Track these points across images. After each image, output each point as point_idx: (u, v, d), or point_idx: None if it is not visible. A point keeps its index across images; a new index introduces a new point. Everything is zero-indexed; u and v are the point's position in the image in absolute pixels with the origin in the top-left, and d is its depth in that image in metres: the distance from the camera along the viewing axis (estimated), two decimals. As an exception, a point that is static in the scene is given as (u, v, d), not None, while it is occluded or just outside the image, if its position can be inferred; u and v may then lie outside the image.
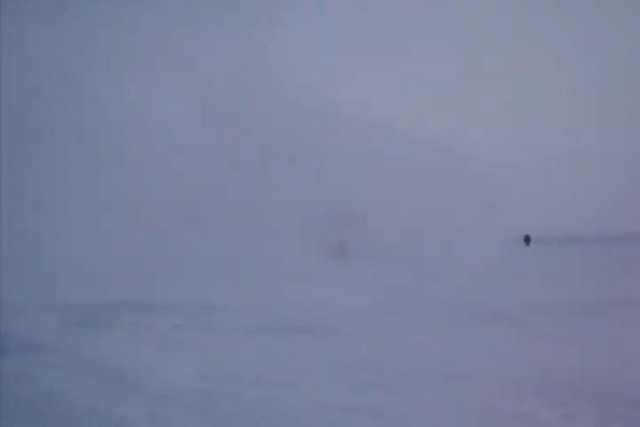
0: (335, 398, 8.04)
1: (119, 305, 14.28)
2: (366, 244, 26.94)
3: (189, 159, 29.01)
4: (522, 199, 31.54)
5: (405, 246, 26.02)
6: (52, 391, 8.09)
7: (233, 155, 29.56)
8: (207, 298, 15.17)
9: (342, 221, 30.45)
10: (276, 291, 16.81)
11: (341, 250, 27.01)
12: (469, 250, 25.70)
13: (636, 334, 11.34)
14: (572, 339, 11.00)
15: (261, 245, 24.51)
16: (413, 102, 34.45)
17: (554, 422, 7.24)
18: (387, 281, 18.93)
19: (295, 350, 10.48)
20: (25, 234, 22.30)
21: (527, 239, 34.68)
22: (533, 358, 9.70)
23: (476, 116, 36.21)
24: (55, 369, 9.03)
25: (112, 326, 12.31)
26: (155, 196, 26.71)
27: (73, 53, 30.20)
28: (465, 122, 35.52)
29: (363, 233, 28.66)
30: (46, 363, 9.33)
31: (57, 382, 8.42)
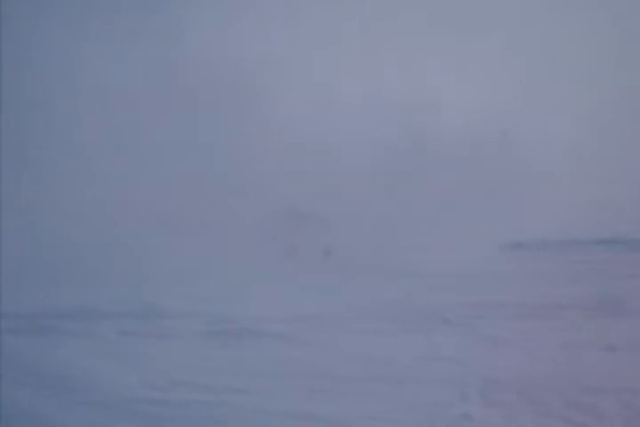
0: (283, 404, 8.09)
1: (61, 312, 14.12)
2: (325, 246, 26.65)
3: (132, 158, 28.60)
4: (498, 203, 30.98)
5: (366, 249, 25.80)
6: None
7: (183, 150, 29.18)
8: (154, 304, 15.08)
9: (300, 222, 29.82)
10: (226, 295, 16.77)
11: (295, 253, 26.61)
12: (434, 253, 25.53)
13: (578, 337, 11.57)
14: (518, 342, 11.20)
15: (212, 247, 24.28)
16: (380, 95, 33.21)
17: (497, 424, 7.37)
18: (341, 285, 18.96)
19: (244, 356, 10.50)
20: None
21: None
22: (478, 361, 9.85)
23: (448, 107, 34.60)
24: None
25: (53, 333, 12.18)
26: (94, 198, 26.36)
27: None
28: (435, 109, 34.09)
29: (323, 234, 28.23)
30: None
31: (-1, 392, 8.35)
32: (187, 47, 30.32)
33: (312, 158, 31.03)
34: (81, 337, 11.88)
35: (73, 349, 10.97)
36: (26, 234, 23.53)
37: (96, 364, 9.92)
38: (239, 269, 21.42)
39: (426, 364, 9.75)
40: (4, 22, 28.29)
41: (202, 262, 21.72)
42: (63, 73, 29.24)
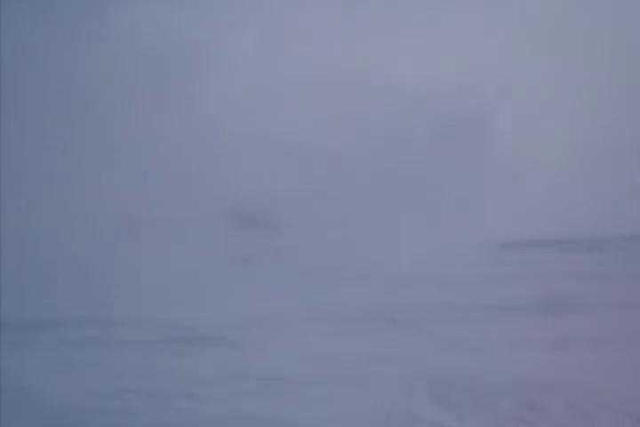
0: (233, 408, 8.10)
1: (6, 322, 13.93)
2: (278, 248, 26.28)
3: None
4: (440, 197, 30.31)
5: (322, 251, 25.42)
6: None
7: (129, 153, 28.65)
8: (102, 311, 14.97)
9: (252, 224, 29.12)
10: (176, 301, 16.70)
11: (248, 256, 26.20)
12: (391, 254, 25.28)
13: (527, 336, 11.75)
14: (467, 343, 11.34)
15: (161, 252, 24.00)
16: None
17: (446, 423, 7.45)
18: (292, 288, 18.96)
19: (194, 362, 10.48)
20: None
21: None
22: (427, 361, 9.96)
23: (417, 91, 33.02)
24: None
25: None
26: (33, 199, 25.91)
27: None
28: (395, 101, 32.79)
29: (277, 237, 27.69)
30: None
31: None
32: (129, 38, 29.87)
33: (263, 153, 30.24)
34: (26, 347, 11.73)
35: (18, 359, 10.83)
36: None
37: (41, 374, 9.81)
38: (189, 274, 21.29)
39: (375, 365, 9.83)
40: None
41: (151, 268, 21.50)
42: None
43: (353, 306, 15.58)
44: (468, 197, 30.83)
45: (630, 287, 17.73)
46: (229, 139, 29.96)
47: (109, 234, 25.08)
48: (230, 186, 28.60)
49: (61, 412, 7.99)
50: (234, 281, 20.71)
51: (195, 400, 8.48)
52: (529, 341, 11.39)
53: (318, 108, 30.77)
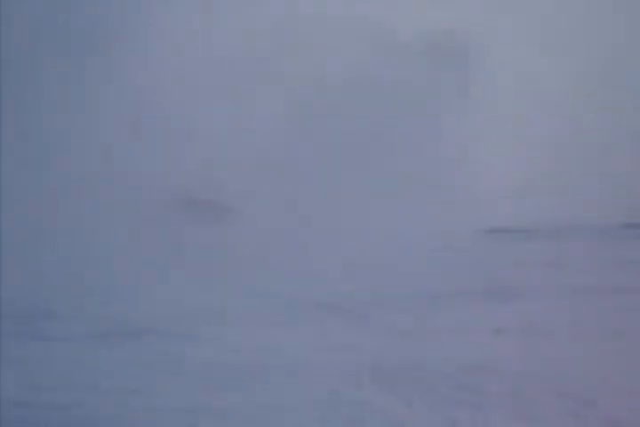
0: (176, 400, 8.07)
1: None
2: (224, 236, 25.72)
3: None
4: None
5: (272, 238, 24.98)
6: None
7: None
8: (41, 304, 14.74)
9: (193, 212, 28.30)
10: (117, 293, 16.52)
11: (190, 245, 25.48)
12: (342, 242, 25.04)
13: (468, 322, 11.96)
14: (409, 329, 11.48)
15: (100, 242, 23.59)
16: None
17: (393, 409, 7.54)
18: (233, 277, 18.88)
19: (133, 355, 10.39)
20: None
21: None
22: (369, 348, 10.06)
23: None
24: None
25: None
26: None
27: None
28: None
29: (220, 224, 27.06)
30: None
31: None
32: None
33: (202, 136, 29.35)
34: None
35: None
36: None
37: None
38: (128, 264, 21.02)
39: (317, 353, 9.91)
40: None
41: (89, 258, 21.20)
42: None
43: (293, 295, 15.63)
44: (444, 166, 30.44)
45: (584, 275, 18.16)
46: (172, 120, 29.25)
47: (50, 223, 24.50)
48: (174, 170, 27.88)
49: (4, 406, 7.87)
50: (174, 271, 20.53)
51: (135, 394, 8.42)
52: (472, 327, 11.60)
53: (303, 50, 29.94)
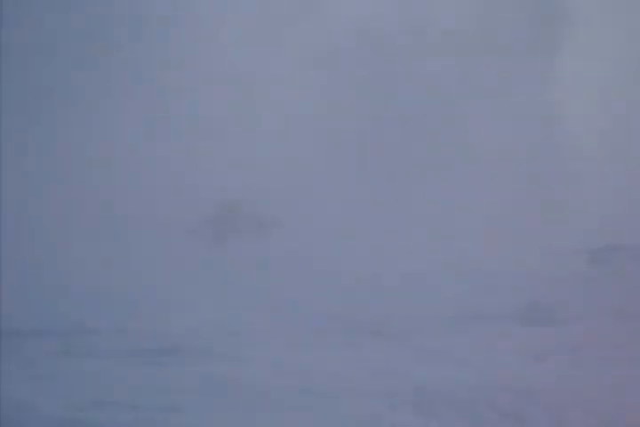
0: (214, 420, 8.14)
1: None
2: (262, 252, 25.42)
3: None
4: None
5: (310, 255, 24.59)
6: None
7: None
8: (80, 321, 14.92)
9: (234, 224, 27.74)
10: (155, 310, 16.65)
11: (229, 261, 25.11)
12: (379, 262, 24.70)
13: (508, 347, 11.92)
14: (447, 353, 11.47)
15: (135, 258, 23.65)
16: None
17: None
18: (273, 296, 18.85)
19: (172, 374, 10.51)
20: None
21: None
22: (409, 372, 10.07)
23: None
24: None
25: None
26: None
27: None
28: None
29: (263, 239, 26.61)
30: None
31: None
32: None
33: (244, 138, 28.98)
34: (4, 357, 11.68)
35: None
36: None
37: (20, 385, 9.80)
38: (165, 280, 21.12)
39: (356, 376, 9.92)
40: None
41: (125, 274, 21.32)
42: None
43: (332, 316, 15.63)
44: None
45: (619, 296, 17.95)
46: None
47: (88, 239, 24.64)
48: (214, 183, 27.62)
49: (41, 425, 8.00)
50: (213, 288, 20.57)
51: (172, 412, 8.53)
52: (510, 350, 11.56)
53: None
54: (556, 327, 13.78)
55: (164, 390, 9.46)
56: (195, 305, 17.51)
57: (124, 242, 24.64)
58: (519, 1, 29.53)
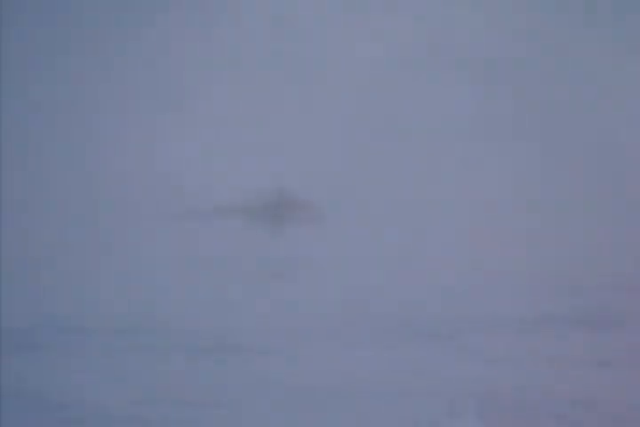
0: (268, 419, 8.23)
1: (47, 326, 14.18)
2: (314, 247, 25.01)
3: None
4: None
5: (364, 248, 24.12)
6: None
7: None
8: (142, 319, 15.15)
9: (282, 218, 27.02)
10: (205, 308, 16.84)
11: (278, 258, 24.65)
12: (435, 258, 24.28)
13: (571, 352, 11.82)
14: (509, 357, 11.42)
15: (181, 253, 23.79)
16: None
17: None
18: (323, 293, 18.91)
19: (228, 371, 10.66)
20: None
21: None
22: (469, 377, 10.06)
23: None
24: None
25: (40, 348, 12.26)
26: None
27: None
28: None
29: (315, 234, 25.89)
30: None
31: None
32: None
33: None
34: (65, 352, 11.96)
35: (56, 364, 11.05)
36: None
37: (78, 380, 10.02)
38: (216, 278, 21.34)
39: (414, 379, 9.94)
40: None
41: (177, 272, 21.57)
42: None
43: (387, 316, 15.63)
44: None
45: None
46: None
47: (122, 233, 24.87)
48: (243, 164, 27.39)
49: (100, 420, 8.18)
50: (261, 285, 20.72)
51: (226, 408, 8.65)
52: (573, 356, 11.48)
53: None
54: (618, 332, 13.63)
55: (221, 388, 9.61)
56: (248, 301, 17.67)
57: (171, 235, 24.76)
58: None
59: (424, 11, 29.87)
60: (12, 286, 18.49)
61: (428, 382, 9.81)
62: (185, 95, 28.96)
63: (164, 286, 19.87)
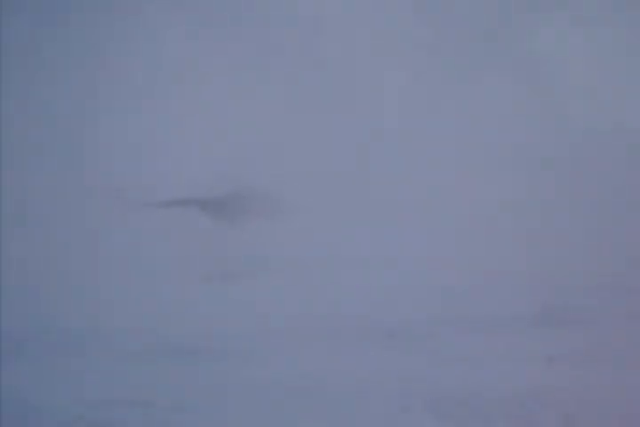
0: (226, 421, 8.37)
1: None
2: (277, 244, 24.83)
3: None
4: None
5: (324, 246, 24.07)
6: None
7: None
8: (91, 321, 15.15)
9: (242, 212, 26.64)
10: (165, 310, 16.85)
11: (238, 256, 24.41)
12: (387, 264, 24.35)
13: (520, 349, 12.12)
14: (462, 356, 11.68)
15: (142, 253, 23.60)
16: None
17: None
18: (290, 295, 18.91)
19: (186, 373, 10.75)
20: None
21: None
22: (423, 376, 10.29)
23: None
24: None
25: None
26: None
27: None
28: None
29: (275, 229, 25.72)
30: None
31: None
32: None
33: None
34: (22, 356, 11.96)
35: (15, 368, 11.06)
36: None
37: (35, 384, 10.07)
38: (175, 280, 21.25)
39: (371, 380, 10.13)
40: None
41: (139, 272, 21.45)
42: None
43: (343, 318, 15.73)
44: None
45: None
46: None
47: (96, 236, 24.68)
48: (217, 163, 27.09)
49: (57, 423, 8.26)
50: (221, 286, 20.67)
51: (188, 412, 8.77)
52: (522, 353, 11.76)
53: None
54: (569, 330, 13.95)
55: (177, 390, 9.71)
56: (208, 302, 17.69)
57: (138, 237, 24.56)
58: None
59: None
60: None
61: (384, 382, 10.01)
62: (153, 89, 28.92)
63: (113, 285, 19.76)
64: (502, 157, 27.70)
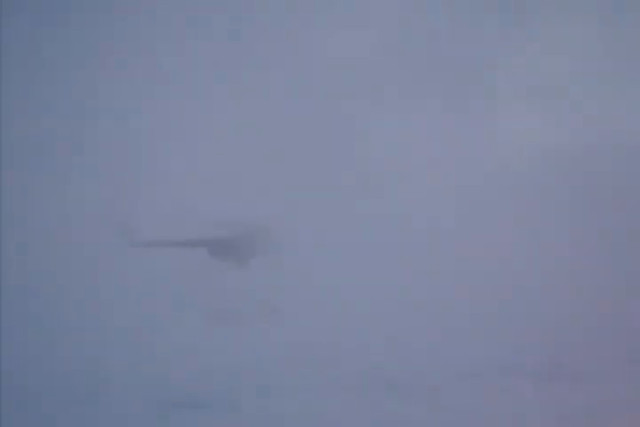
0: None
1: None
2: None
3: None
4: None
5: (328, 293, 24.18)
6: None
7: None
8: (102, 373, 15.27)
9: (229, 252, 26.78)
10: (166, 353, 16.89)
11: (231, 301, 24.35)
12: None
13: (523, 401, 12.27)
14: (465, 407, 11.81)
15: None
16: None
17: None
18: (285, 339, 18.91)
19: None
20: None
21: None
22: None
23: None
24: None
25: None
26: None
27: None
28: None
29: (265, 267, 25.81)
30: None
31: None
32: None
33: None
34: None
35: None
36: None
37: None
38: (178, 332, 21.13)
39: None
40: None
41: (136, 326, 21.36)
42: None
43: (348, 367, 15.78)
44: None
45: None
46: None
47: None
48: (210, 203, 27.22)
49: None
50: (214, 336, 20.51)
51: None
52: (524, 404, 11.95)
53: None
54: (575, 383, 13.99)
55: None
56: (214, 345, 17.62)
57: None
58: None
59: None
60: None
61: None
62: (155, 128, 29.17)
63: (116, 328, 19.70)
64: (500, 203, 27.79)
